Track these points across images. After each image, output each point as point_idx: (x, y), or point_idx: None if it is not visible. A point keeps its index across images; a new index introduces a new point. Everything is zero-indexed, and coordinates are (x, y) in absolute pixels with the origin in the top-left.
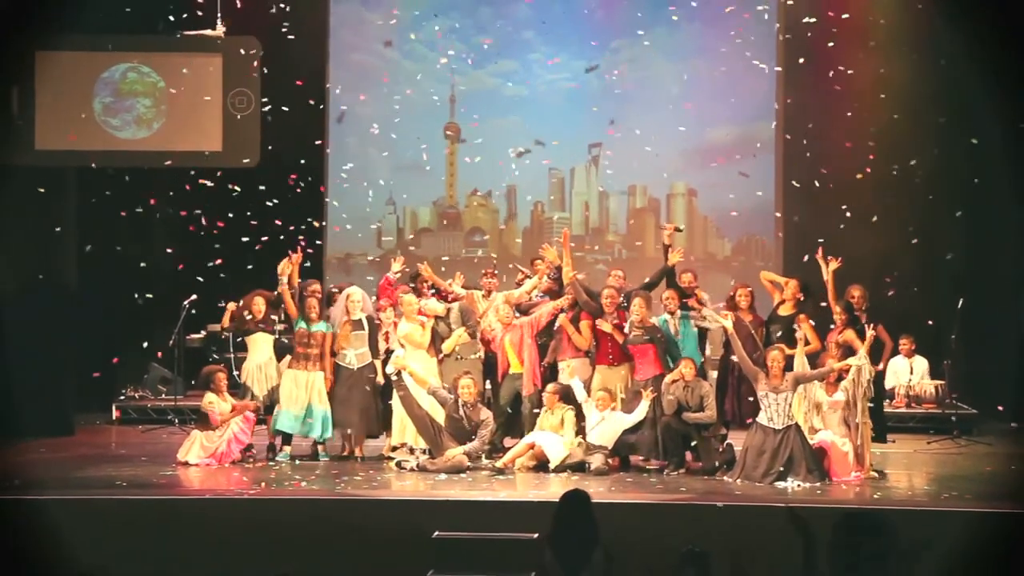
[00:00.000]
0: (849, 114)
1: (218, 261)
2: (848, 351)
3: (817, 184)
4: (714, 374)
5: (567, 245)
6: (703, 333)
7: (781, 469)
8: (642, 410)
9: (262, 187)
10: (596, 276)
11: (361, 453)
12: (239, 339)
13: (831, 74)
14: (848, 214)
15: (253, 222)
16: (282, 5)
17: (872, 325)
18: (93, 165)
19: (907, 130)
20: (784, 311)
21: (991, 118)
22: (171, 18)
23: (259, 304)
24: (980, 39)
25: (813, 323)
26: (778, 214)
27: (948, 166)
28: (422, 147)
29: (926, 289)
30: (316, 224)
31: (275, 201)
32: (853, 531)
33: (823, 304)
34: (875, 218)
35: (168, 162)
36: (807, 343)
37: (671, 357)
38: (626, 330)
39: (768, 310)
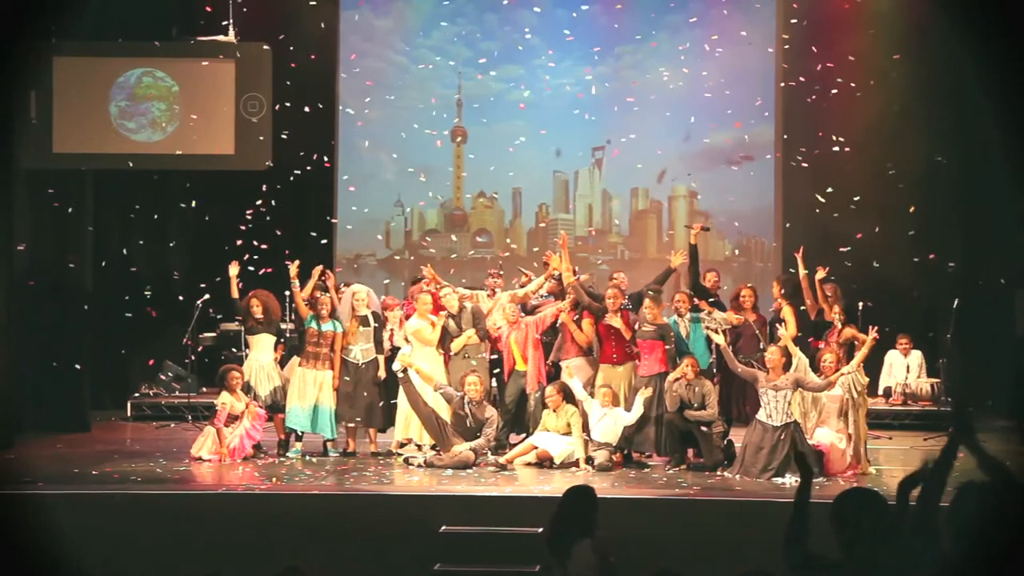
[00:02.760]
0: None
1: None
2: (851, 348)
3: (817, 185)
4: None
5: (565, 248)
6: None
7: (779, 465)
8: (638, 408)
9: (273, 189)
10: (599, 277)
11: (375, 447)
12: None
13: (830, 73)
14: (850, 217)
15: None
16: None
17: (876, 328)
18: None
19: (905, 130)
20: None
21: (989, 117)
22: (184, 24)
23: (256, 304)
24: (982, 37)
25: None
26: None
27: (946, 165)
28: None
29: (923, 288)
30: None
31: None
32: (854, 506)
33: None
34: (876, 229)
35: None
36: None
37: (679, 356)
38: (635, 326)
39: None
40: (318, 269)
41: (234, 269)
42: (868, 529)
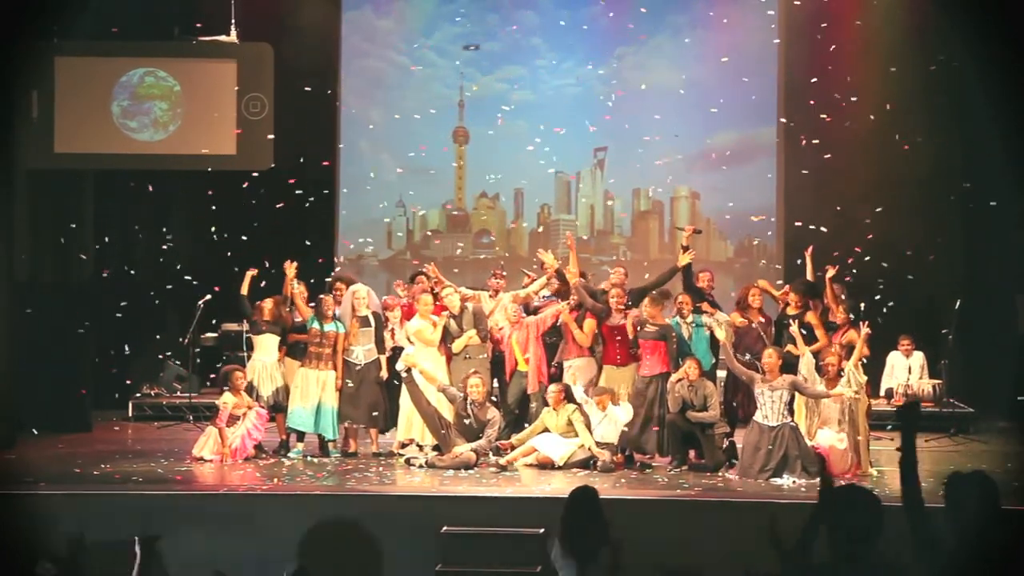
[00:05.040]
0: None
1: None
2: (851, 351)
3: (817, 186)
4: (722, 374)
5: (573, 249)
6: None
7: (776, 465)
8: (628, 410)
9: (274, 189)
10: (601, 277)
11: (376, 447)
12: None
13: (832, 73)
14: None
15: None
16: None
17: (867, 323)
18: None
19: (906, 130)
20: (791, 311)
21: (991, 117)
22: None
23: (267, 303)
24: (982, 39)
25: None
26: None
27: (947, 165)
28: (421, 151)
29: (925, 289)
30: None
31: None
32: (854, 504)
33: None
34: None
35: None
36: (807, 342)
37: (681, 357)
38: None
39: (773, 310)
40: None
41: (253, 272)
42: (861, 527)
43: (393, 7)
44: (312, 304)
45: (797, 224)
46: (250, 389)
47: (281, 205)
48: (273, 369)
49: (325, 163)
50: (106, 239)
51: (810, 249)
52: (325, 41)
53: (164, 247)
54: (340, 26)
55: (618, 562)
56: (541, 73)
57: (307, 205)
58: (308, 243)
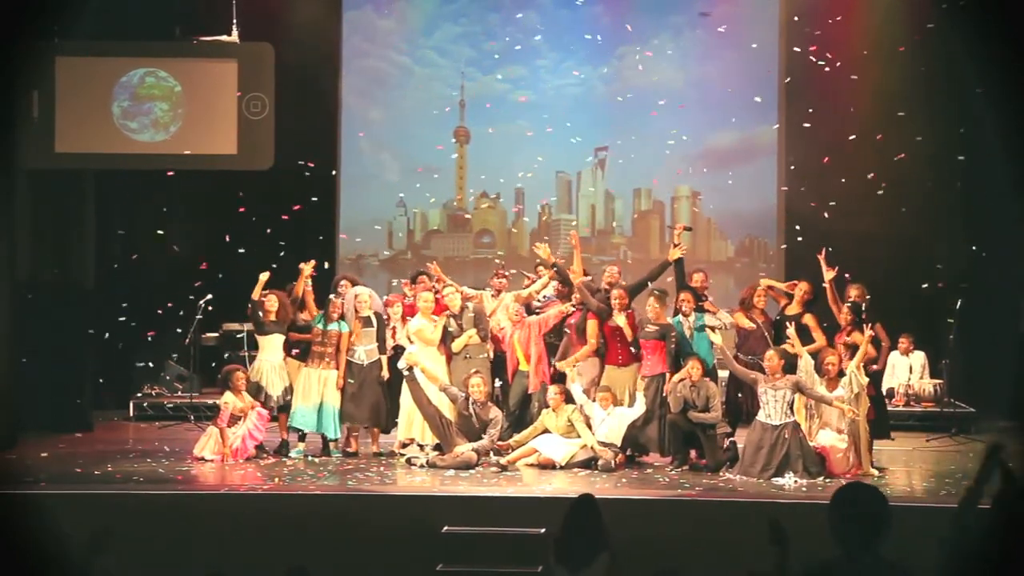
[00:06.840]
0: (852, 109)
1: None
2: (855, 352)
3: (817, 186)
4: (724, 373)
5: (578, 248)
6: None
7: (777, 465)
8: (640, 404)
9: (275, 189)
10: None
11: (377, 447)
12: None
13: (833, 75)
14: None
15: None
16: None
17: (870, 324)
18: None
19: (907, 131)
20: (791, 311)
21: (991, 116)
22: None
23: (271, 304)
24: (981, 38)
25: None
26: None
27: (948, 165)
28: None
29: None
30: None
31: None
32: (860, 502)
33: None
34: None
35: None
36: (804, 342)
37: (683, 356)
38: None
39: (774, 310)
40: (307, 269)
41: (264, 275)
42: (867, 525)
43: (393, 7)
44: (320, 306)
45: (796, 225)
46: (258, 390)
47: (292, 209)
48: (281, 369)
49: (326, 163)
50: (107, 239)
51: (823, 252)
52: (325, 41)
53: (165, 249)
54: (340, 26)
55: (616, 565)
56: (541, 73)
57: (308, 205)
58: (307, 243)
